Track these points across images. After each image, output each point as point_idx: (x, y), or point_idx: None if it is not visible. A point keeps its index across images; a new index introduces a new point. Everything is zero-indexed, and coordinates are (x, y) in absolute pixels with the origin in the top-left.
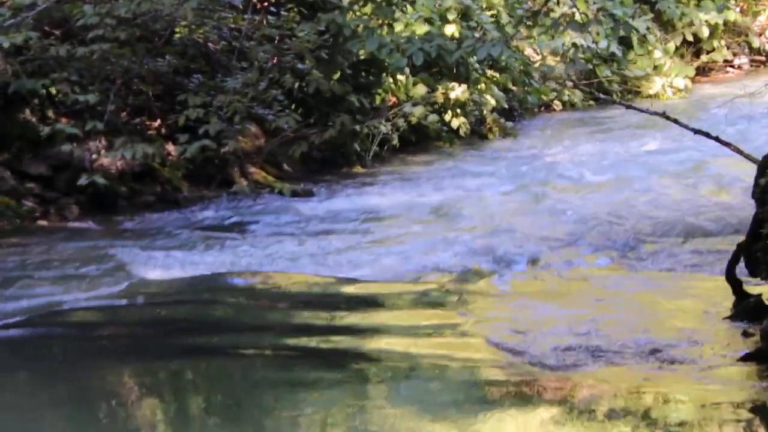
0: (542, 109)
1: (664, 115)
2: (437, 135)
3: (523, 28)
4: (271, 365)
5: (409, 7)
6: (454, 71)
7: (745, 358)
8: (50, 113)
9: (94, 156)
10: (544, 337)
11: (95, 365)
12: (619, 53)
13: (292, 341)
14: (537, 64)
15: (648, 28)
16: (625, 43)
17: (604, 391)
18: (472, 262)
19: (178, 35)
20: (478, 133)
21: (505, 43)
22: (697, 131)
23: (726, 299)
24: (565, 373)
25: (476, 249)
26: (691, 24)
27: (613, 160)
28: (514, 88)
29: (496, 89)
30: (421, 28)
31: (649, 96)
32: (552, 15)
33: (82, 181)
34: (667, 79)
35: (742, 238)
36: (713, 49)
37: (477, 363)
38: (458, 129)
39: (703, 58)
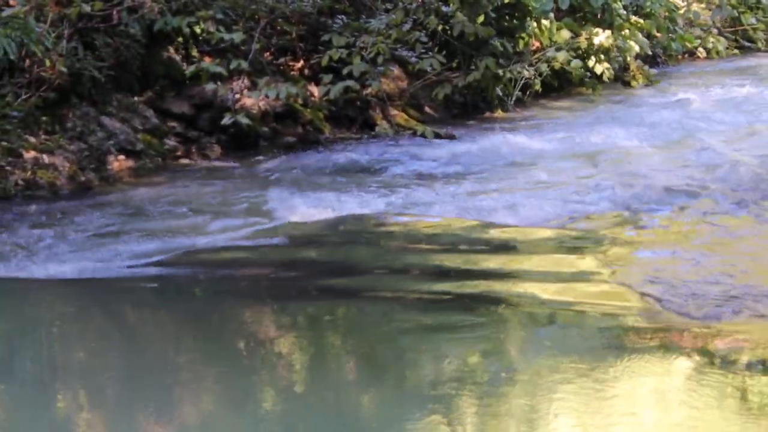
0: (686, 56)
1: None
2: (580, 81)
3: None
4: (410, 309)
5: None
6: (599, 16)
7: None
8: (194, 52)
9: (237, 96)
10: (686, 285)
11: (234, 305)
12: (765, 1)
13: (430, 285)
14: (682, 11)
15: None
16: None
17: (745, 342)
18: (612, 209)
19: None
20: (621, 80)
21: None
22: None
23: None
24: (706, 322)
25: (617, 196)
26: None
27: (760, 108)
28: (658, 34)
29: (640, 35)
30: None
31: None
32: None
33: (226, 120)
34: None
35: None
36: None
37: (616, 310)
38: (601, 75)
39: None
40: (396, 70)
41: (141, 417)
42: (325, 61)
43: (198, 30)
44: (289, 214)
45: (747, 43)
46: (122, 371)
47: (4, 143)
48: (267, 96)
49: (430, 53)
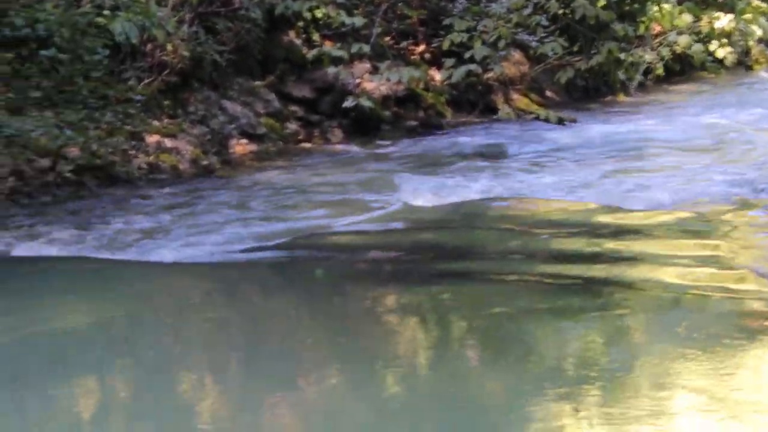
0: None
1: None
2: (702, 65)
3: None
4: (533, 292)
5: None
6: (720, 0)
7: None
8: (315, 36)
9: (358, 80)
10: None
11: (356, 288)
12: None
13: (553, 269)
14: None
15: None
16: None
17: None
18: (735, 193)
19: None
20: (743, 64)
21: None
22: None
23: None
24: None
25: (740, 180)
26: None
27: None
28: None
29: (762, 19)
30: None
31: None
32: None
33: (348, 103)
34: None
35: None
36: None
37: (740, 294)
38: (723, 59)
39: None
40: (517, 55)
41: (264, 398)
42: (446, 45)
43: (319, 14)
44: (410, 197)
45: None
46: (245, 353)
47: (127, 127)
48: (389, 80)
49: (552, 37)
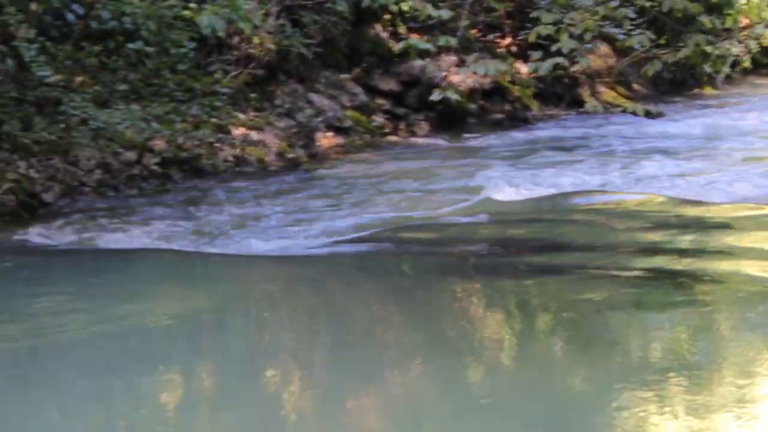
0: None
1: None
2: None
3: None
4: (619, 286)
5: None
6: None
7: None
8: (401, 29)
9: (444, 72)
10: None
11: (441, 282)
12: None
13: (640, 262)
14: None
15: None
16: None
17: None
18: None
19: None
20: None
21: None
22: None
23: None
24: None
25: None
26: None
27: None
28: None
29: None
30: None
31: None
32: None
33: (435, 96)
34: None
35: None
36: None
37: None
38: None
39: None
40: (604, 47)
41: (349, 390)
42: (532, 38)
43: (405, 7)
44: (496, 191)
45: None
46: (331, 345)
47: (213, 120)
48: (475, 73)
49: (639, 30)
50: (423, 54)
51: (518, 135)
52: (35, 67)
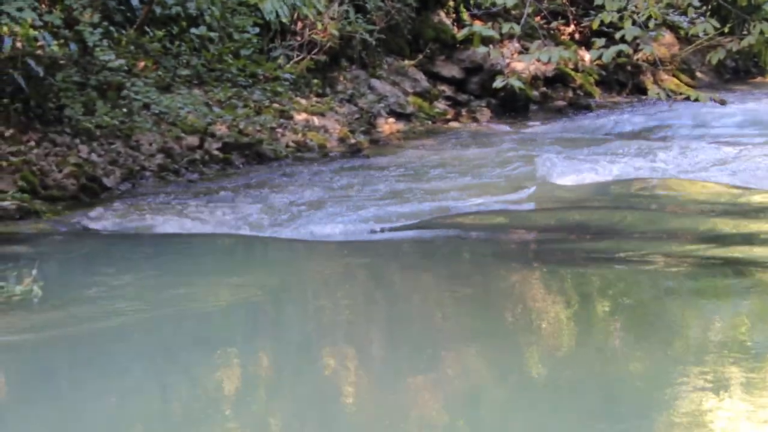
0: None
1: None
2: None
3: None
4: (678, 273)
5: None
6: None
7: None
8: (465, 16)
9: (507, 60)
10: None
11: (499, 268)
12: None
13: (699, 249)
14: None
15: None
16: None
17: None
18: None
19: None
20: None
21: None
22: None
23: None
24: None
25: None
26: None
27: None
28: None
29: None
30: None
31: None
32: None
33: (498, 83)
34: None
35: None
36: None
37: None
38: None
39: None
40: (667, 35)
41: (406, 376)
42: (596, 25)
43: None
44: (557, 177)
45: None
46: (388, 331)
47: (275, 105)
48: (538, 60)
49: (703, 18)
50: (486, 41)
51: (580, 122)
52: (98, 52)
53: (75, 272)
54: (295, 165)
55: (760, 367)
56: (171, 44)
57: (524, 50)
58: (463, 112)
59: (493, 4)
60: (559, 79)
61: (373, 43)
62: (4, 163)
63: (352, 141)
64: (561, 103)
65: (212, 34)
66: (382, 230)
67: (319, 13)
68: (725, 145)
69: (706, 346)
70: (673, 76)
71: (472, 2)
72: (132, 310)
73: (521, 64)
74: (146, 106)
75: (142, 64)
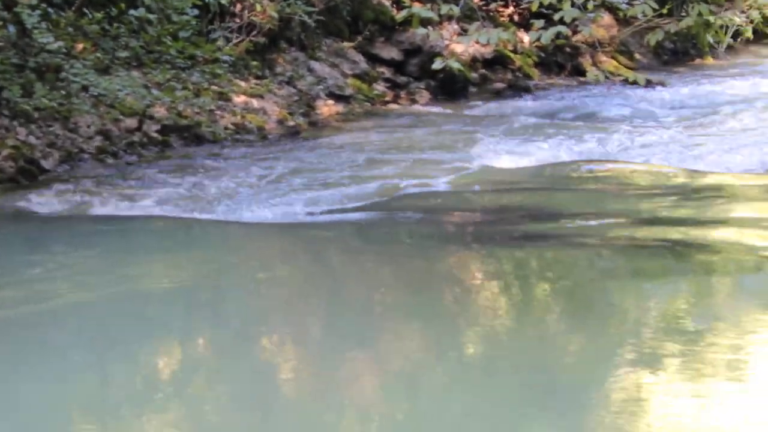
0: None
1: None
2: None
3: None
4: (615, 254)
5: None
6: None
7: None
8: None
9: (447, 41)
10: None
11: (439, 250)
12: None
13: (636, 231)
14: None
15: None
16: None
17: None
18: None
19: None
20: None
21: None
22: None
23: None
24: None
25: None
26: None
27: None
28: None
29: None
30: None
31: None
32: None
33: (436, 65)
34: None
35: None
36: None
37: None
38: None
39: None
40: (606, 17)
41: (344, 358)
42: (535, 7)
43: None
44: (495, 159)
45: None
46: (326, 313)
47: (214, 87)
48: (477, 41)
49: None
50: (425, 22)
51: (518, 104)
52: (37, 34)
53: (11, 254)
54: (234, 147)
55: (696, 346)
56: (110, 26)
57: (463, 32)
58: (402, 94)
59: None
60: (498, 61)
61: (312, 24)
62: None
63: (291, 123)
64: (500, 85)
65: (151, 16)
66: (321, 212)
67: None
68: (663, 126)
69: (643, 327)
70: (612, 57)
71: None
72: (69, 292)
73: (460, 45)
74: (85, 89)
75: (80, 46)
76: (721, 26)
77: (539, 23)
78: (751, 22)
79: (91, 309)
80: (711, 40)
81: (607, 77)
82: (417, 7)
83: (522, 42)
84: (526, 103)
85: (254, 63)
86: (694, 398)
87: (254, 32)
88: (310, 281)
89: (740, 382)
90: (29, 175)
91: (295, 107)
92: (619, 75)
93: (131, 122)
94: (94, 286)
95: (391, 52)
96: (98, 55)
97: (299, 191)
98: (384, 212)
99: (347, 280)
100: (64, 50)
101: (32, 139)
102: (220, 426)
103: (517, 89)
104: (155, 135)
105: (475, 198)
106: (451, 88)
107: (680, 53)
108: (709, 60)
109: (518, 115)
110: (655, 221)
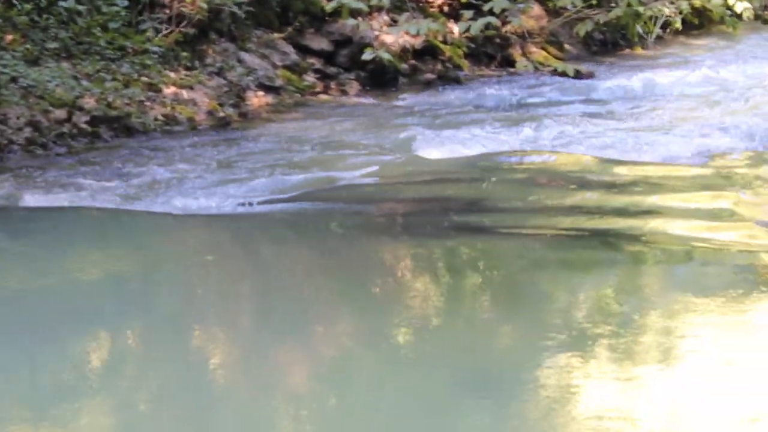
0: None
1: None
2: (720, 19)
3: None
4: (545, 245)
5: None
6: None
7: None
8: None
9: (376, 32)
10: None
11: (370, 241)
12: None
13: (567, 221)
14: None
15: None
16: None
17: None
18: (749, 146)
19: None
20: (761, 18)
21: None
22: None
23: None
24: None
25: (755, 133)
26: None
27: None
28: None
29: None
30: None
31: None
32: None
33: (366, 56)
34: None
35: None
36: None
37: (753, 247)
38: (741, 13)
39: None
40: (536, 8)
41: (275, 348)
42: None
43: None
44: (426, 150)
45: None
46: (257, 304)
47: (144, 78)
48: (407, 32)
49: None
50: (355, 13)
51: (449, 95)
52: None
53: None
54: (164, 138)
55: (626, 332)
56: (39, 17)
57: (393, 23)
58: (332, 85)
59: None
60: (428, 52)
61: (242, 15)
62: None
63: (221, 114)
64: (430, 75)
65: (80, 7)
66: (251, 204)
67: None
68: (592, 117)
69: (573, 316)
70: (542, 48)
71: None
72: None
73: (390, 36)
74: (14, 80)
75: (9, 37)
76: (651, 17)
77: (469, 14)
78: (680, 12)
79: (20, 302)
80: (640, 31)
81: (536, 68)
82: None
83: (452, 33)
84: (456, 93)
85: (184, 54)
86: (624, 382)
87: (184, 23)
88: (241, 273)
89: (668, 366)
90: None
91: (225, 98)
92: (548, 65)
93: (61, 113)
94: (23, 279)
95: (321, 43)
96: (27, 46)
97: (230, 182)
98: (315, 203)
99: (277, 272)
100: None
101: None
102: (152, 415)
103: (447, 80)
104: (85, 126)
105: (405, 189)
106: (381, 79)
107: (610, 44)
108: (639, 50)
109: (448, 106)
110: (585, 211)
